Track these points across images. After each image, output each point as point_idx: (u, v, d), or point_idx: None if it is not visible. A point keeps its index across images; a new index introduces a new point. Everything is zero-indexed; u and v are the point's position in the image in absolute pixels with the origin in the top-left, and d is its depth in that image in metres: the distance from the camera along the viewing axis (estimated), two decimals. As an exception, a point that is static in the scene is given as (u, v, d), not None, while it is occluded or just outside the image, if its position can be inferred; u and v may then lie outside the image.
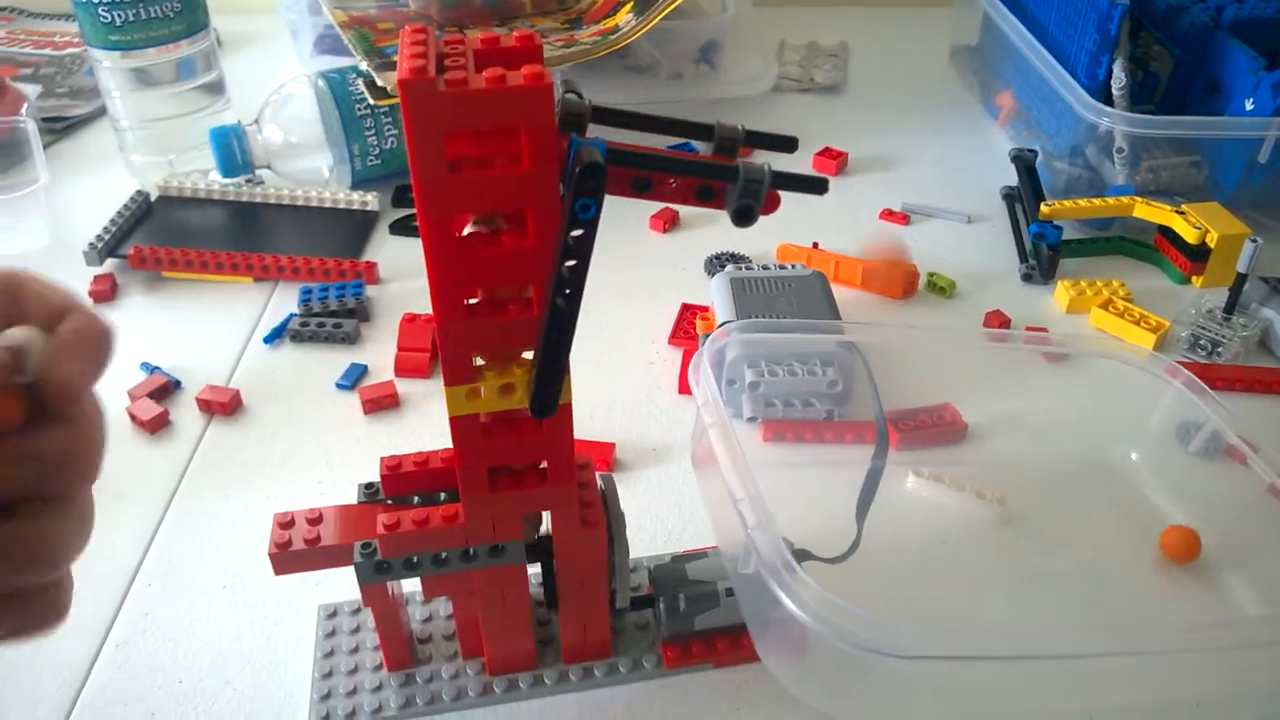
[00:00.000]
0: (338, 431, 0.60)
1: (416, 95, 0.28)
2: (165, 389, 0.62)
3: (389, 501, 0.42)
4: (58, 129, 0.91)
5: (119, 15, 0.73)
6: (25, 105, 0.86)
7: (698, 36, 0.93)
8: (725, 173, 0.33)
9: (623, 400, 0.62)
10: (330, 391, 0.63)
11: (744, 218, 0.34)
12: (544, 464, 0.39)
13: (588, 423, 0.60)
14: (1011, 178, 0.82)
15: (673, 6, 0.80)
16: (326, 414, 0.61)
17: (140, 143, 0.80)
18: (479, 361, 0.36)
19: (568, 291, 0.33)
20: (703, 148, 0.37)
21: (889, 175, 0.86)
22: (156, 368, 0.64)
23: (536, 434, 0.37)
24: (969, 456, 0.59)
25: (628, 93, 0.93)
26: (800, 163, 0.87)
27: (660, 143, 0.35)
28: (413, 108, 0.29)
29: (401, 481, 0.41)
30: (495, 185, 0.31)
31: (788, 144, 0.37)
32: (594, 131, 0.34)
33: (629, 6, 0.83)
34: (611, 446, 0.57)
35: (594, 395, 0.62)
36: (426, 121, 0.29)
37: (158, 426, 0.60)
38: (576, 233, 0.32)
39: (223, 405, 0.61)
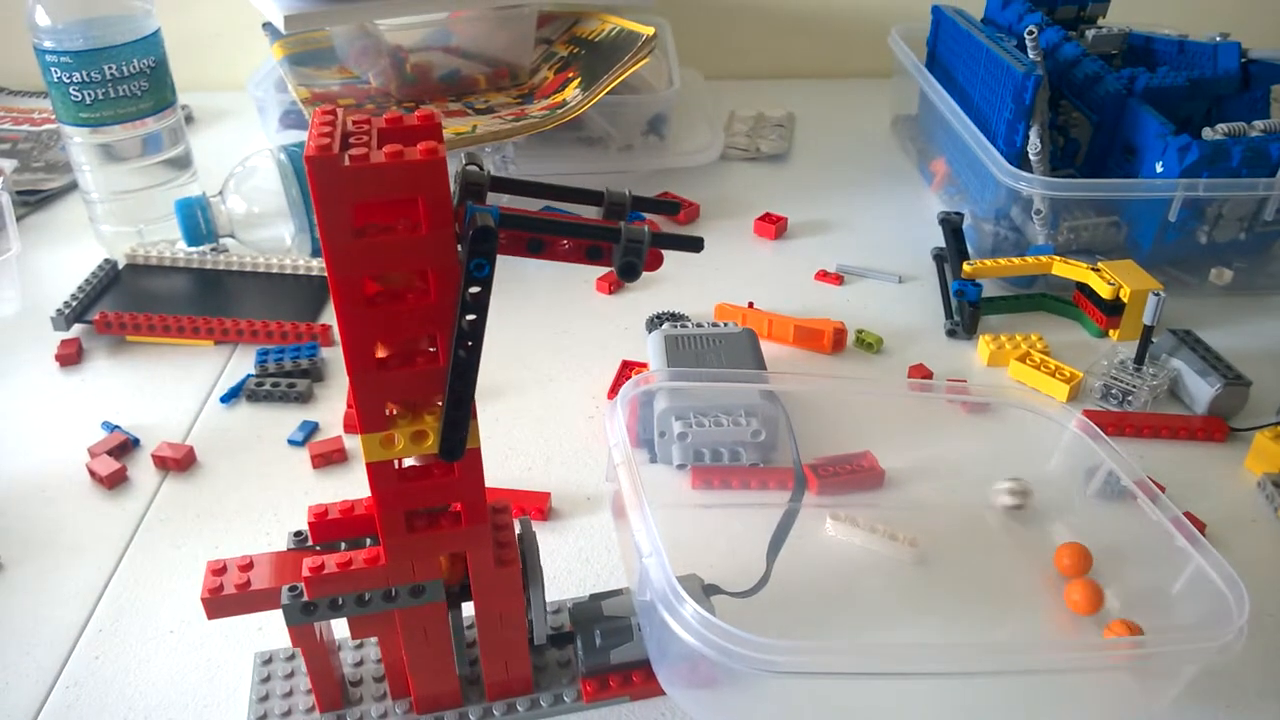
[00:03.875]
0: (287, 485, 0.63)
1: (322, 170, 0.32)
2: (124, 446, 0.65)
3: (317, 548, 0.45)
4: (31, 201, 0.95)
5: (89, 94, 0.77)
6: (0, 179, 0.89)
7: (646, 110, 0.98)
8: (609, 234, 0.37)
9: (561, 453, 0.65)
10: (282, 448, 0.66)
11: (628, 274, 0.37)
12: (459, 507, 0.42)
13: (526, 474, 0.63)
14: (942, 240, 0.86)
15: (614, 83, 0.85)
16: (277, 469, 0.64)
17: (109, 214, 0.84)
18: (394, 411, 0.39)
19: (469, 343, 0.36)
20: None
21: (826, 238, 0.90)
22: (116, 426, 0.67)
23: (449, 478, 0.40)
24: (885, 501, 0.62)
25: (580, 163, 0.98)
26: (743, 228, 0.91)
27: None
28: (319, 181, 0.32)
29: (328, 528, 0.44)
30: (397, 249, 0.34)
31: (670, 209, 0.41)
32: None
33: (576, 83, 0.88)
34: (546, 496, 0.60)
35: (534, 448, 0.65)
36: (332, 193, 0.32)
37: (115, 482, 0.62)
38: (474, 290, 0.35)
39: (177, 461, 0.63)
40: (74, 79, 0.76)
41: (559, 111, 0.84)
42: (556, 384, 0.71)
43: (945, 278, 0.83)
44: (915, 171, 1.03)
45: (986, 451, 0.63)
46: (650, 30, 0.86)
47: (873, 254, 0.87)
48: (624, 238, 0.37)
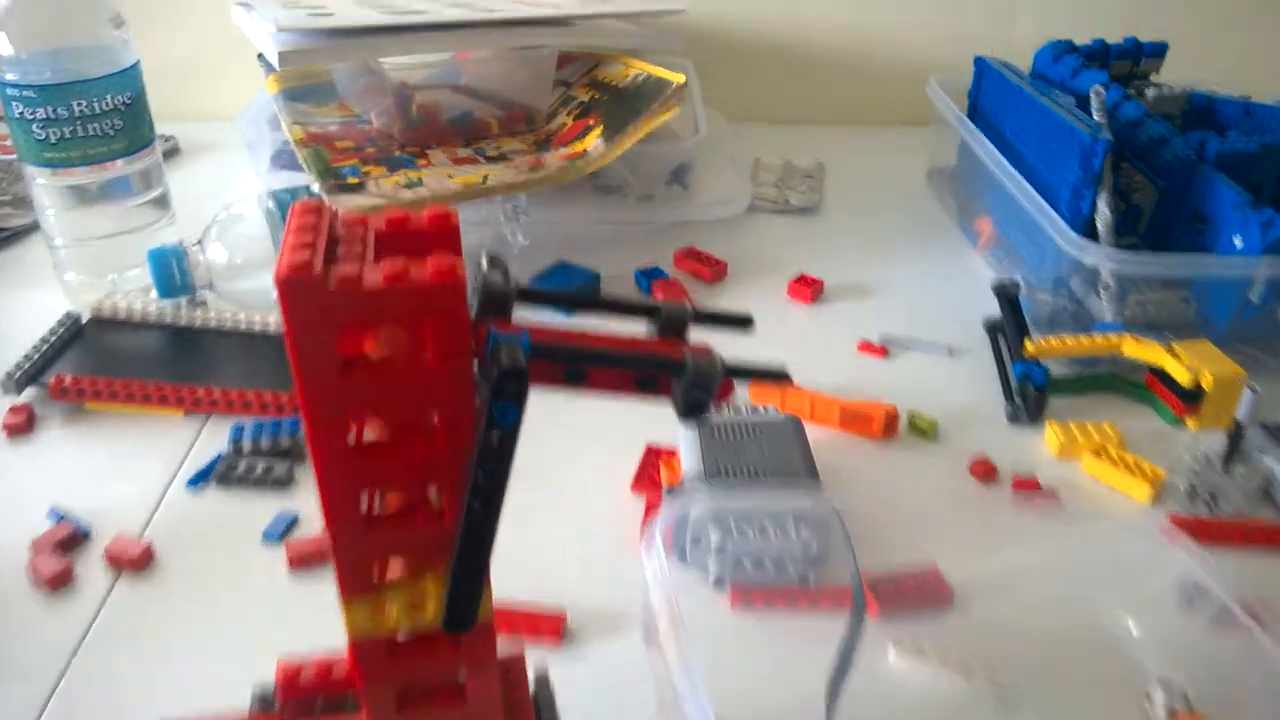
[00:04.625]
0: (260, 590, 0.54)
1: (298, 294, 0.24)
2: (72, 539, 0.57)
3: (284, 712, 0.36)
4: (-7, 242, 0.86)
5: (54, 133, 0.69)
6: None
7: (670, 159, 0.90)
8: (670, 367, 0.29)
9: (577, 557, 0.57)
10: (256, 544, 0.57)
11: (694, 413, 0.29)
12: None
13: (535, 583, 0.55)
14: (993, 306, 0.78)
15: (640, 135, 0.77)
16: (250, 570, 0.56)
17: (75, 261, 0.76)
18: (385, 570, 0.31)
19: (486, 501, 0.28)
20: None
21: (866, 303, 0.82)
22: (64, 515, 0.58)
23: (453, 651, 0.32)
24: (955, 624, 0.53)
25: (596, 212, 0.90)
26: (775, 289, 0.83)
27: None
28: (293, 306, 0.24)
29: (299, 691, 0.36)
30: (396, 387, 0.26)
31: (743, 323, 0.33)
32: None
33: (597, 131, 0.80)
34: (561, 618, 0.52)
35: (543, 551, 0.57)
36: (311, 323, 0.24)
37: (59, 584, 0.54)
38: (496, 438, 0.27)
39: (132, 561, 0.55)
40: (38, 115, 0.68)
41: (579, 163, 0.77)
42: (569, 471, 0.63)
43: (1000, 352, 0.75)
44: (956, 229, 0.96)
45: (1066, 564, 0.55)
46: (680, 78, 0.79)
47: (917, 321, 0.79)
48: (690, 369, 0.29)
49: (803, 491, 0.53)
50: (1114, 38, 0.92)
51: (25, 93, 0.67)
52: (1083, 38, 0.92)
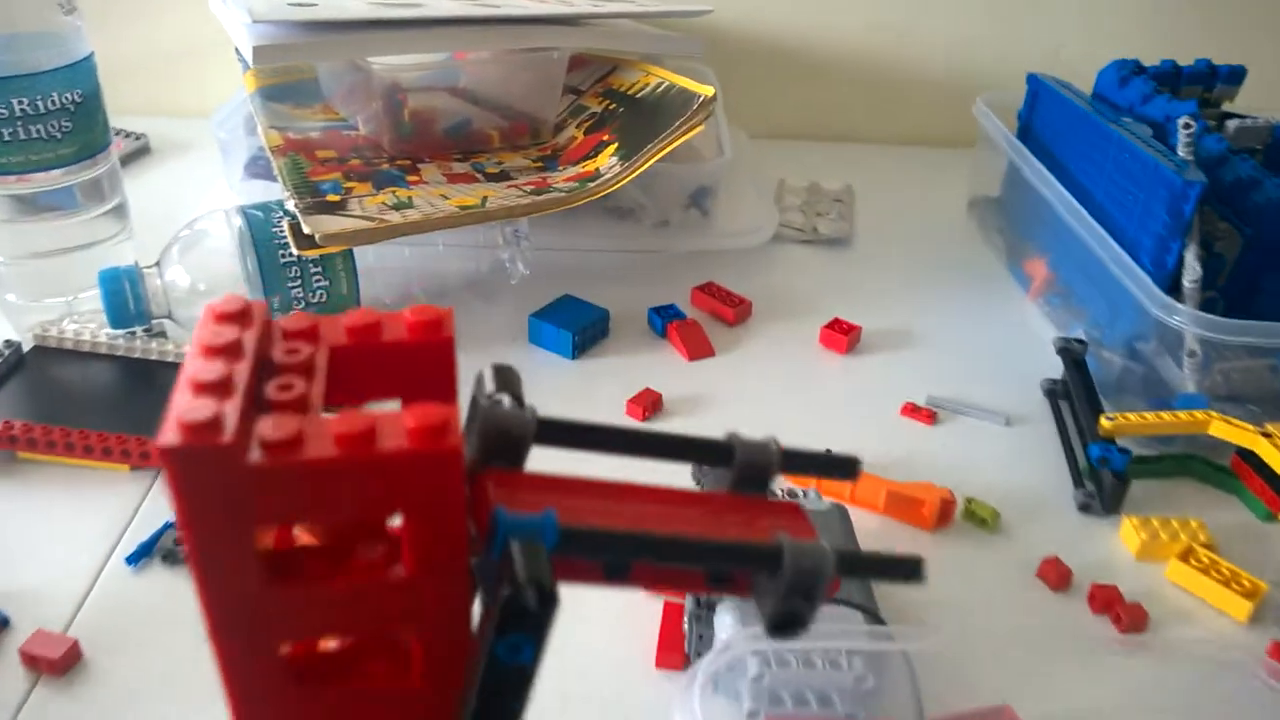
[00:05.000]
0: (203, 703, 0.45)
1: (195, 473, 0.15)
2: (-16, 629, 0.48)
3: None
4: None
5: (-9, 134, 0.60)
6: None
7: (690, 181, 0.81)
8: (760, 558, 0.20)
9: (579, 670, 0.48)
10: (201, 643, 0.48)
11: (787, 628, 0.20)
12: None
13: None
14: (1051, 363, 0.69)
15: (661, 154, 0.68)
16: (191, 676, 0.46)
17: (17, 280, 0.66)
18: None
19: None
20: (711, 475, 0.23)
21: (907, 355, 0.73)
22: (-22, 596, 0.49)
23: None
24: (1034, 782, 0.45)
25: (606, 239, 0.81)
26: (806, 335, 0.74)
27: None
28: (190, 493, 0.15)
29: None
30: (350, 602, 0.17)
31: (846, 470, 0.24)
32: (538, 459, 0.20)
33: (612, 149, 0.71)
34: (562, 757, 0.43)
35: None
36: (218, 514, 0.15)
37: (-40, 688, 0.45)
38: (503, 678, 0.18)
39: (51, 664, 0.46)
40: (-30, 114, 0.59)
41: (591, 185, 0.68)
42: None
43: (1064, 423, 0.66)
44: (1004, 270, 0.87)
45: (1161, 702, 0.47)
46: (709, 91, 0.70)
47: (965, 380, 0.70)
48: (790, 567, 0.19)
49: (865, 629, 0.44)
50: (1163, 56, 0.83)
51: (-44, 88, 0.58)
52: (1141, 57, 0.83)
